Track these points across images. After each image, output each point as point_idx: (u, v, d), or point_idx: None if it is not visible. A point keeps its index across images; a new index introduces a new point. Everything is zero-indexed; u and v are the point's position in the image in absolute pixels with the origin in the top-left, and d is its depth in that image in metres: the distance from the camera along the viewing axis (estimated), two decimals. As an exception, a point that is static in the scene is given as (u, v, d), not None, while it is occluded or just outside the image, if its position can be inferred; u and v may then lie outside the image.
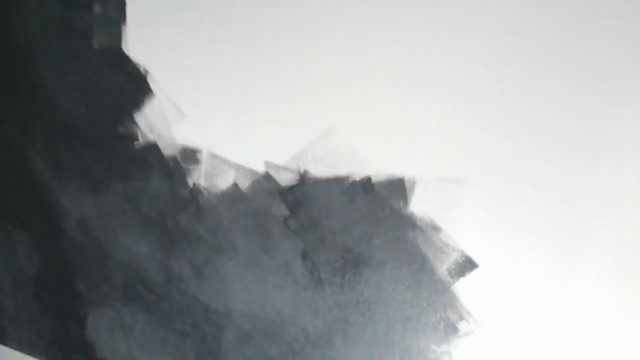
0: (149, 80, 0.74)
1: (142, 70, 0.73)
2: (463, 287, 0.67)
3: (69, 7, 0.73)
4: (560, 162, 0.59)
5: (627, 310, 0.61)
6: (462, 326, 0.68)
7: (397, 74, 0.61)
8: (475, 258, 0.65)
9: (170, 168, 0.79)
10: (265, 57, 0.66)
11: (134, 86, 0.75)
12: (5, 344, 1.20)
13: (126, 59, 0.73)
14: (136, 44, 0.72)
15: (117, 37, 0.73)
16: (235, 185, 0.76)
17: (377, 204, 0.67)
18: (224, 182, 0.76)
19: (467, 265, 0.65)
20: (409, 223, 0.66)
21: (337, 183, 0.69)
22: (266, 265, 0.79)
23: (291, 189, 0.72)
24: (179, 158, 0.78)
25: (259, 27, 0.66)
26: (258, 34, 0.67)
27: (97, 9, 0.72)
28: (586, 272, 0.59)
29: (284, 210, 0.74)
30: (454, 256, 0.65)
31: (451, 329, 0.69)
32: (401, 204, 0.66)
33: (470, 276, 0.66)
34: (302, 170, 0.70)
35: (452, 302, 0.68)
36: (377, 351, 0.77)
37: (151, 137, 0.78)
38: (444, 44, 0.58)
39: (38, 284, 1.05)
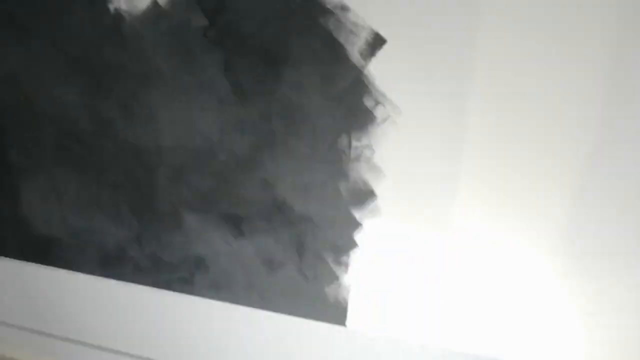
0: None
1: None
2: (376, 69, 0.76)
3: None
4: None
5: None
6: (379, 112, 0.78)
7: None
8: (383, 34, 0.74)
9: (90, -5, 0.87)
10: None
11: None
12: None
13: None
14: None
15: None
16: (154, 2, 0.84)
17: (289, -6, 0.76)
18: (143, 1, 0.84)
19: (376, 42, 0.75)
20: (320, 8, 0.76)
21: (250, -21, 0.77)
22: (191, 88, 0.88)
23: (207, -6, 0.80)
24: (97, -18, 0.86)
25: None
26: None
27: None
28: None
29: (202, 21, 0.83)
30: (363, 35, 0.75)
31: (369, 118, 0.78)
32: (310, -11, 0.75)
33: (381, 54, 0.75)
34: (215, -28, 0.79)
35: (367, 87, 0.77)
36: (303, 161, 0.86)
37: (69, -37, 0.86)
38: None
39: (-32, 161, 1.12)
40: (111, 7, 0.90)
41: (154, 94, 0.94)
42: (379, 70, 0.79)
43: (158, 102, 0.94)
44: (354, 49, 0.78)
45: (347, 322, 1.02)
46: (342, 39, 0.78)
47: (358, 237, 0.92)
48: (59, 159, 1.06)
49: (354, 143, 0.83)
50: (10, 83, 1.03)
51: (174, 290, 1.14)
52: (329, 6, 0.78)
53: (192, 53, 0.88)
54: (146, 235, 1.09)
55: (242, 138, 0.90)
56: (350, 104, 0.81)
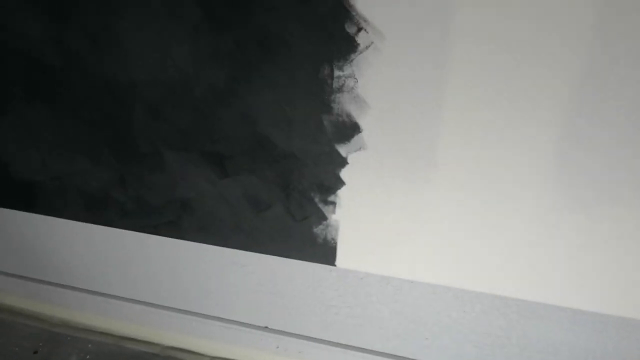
0: None
1: None
2: (357, -9, 0.70)
3: None
4: None
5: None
6: (362, 39, 0.73)
7: None
8: (365, -51, 0.67)
9: None
10: None
11: None
12: None
13: None
14: None
15: None
16: None
17: None
18: None
19: None
20: None
21: None
22: (162, 15, 0.83)
23: None
24: None
25: None
26: None
27: None
28: None
29: (168, -61, 0.76)
30: (343, -49, 0.68)
31: (351, 45, 0.73)
32: None
33: (362, -27, 0.69)
34: None
35: (348, 12, 0.71)
36: (284, 93, 0.81)
37: None
38: None
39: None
40: None
41: (123, 24, 0.88)
42: (361, -7, 0.73)
43: (128, 32, 0.89)
44: (334, -33, 0.72)
45: (337, 262, 1.01)
46: (320, -44, 0.72)
47: (344, 174, 0.89)
48: (29, 97, 1.02)
49: (337, 72, 0.79)
50: (-30, 16, 0.97)
51: (162, 235, 1.13)
52: None
53: (161, -23, 0.82)
54: (129, 177, 1.07)
55: (218, 69, 0.86)
56: (331, 30, 0.76)
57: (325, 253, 1.00)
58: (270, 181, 0.95)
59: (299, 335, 1.21)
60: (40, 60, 0.97)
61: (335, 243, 0.98)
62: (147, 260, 1.21)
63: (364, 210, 0.92)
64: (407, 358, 1.14)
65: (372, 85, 0.78)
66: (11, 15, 0.94)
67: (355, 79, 0.78)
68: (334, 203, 0.93)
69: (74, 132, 1.02)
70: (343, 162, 0.87)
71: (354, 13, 0.74)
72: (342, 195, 0.92)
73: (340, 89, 0.80)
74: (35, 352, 1.37)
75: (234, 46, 0.82)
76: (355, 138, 0.84)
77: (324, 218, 0.96)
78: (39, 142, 1.07)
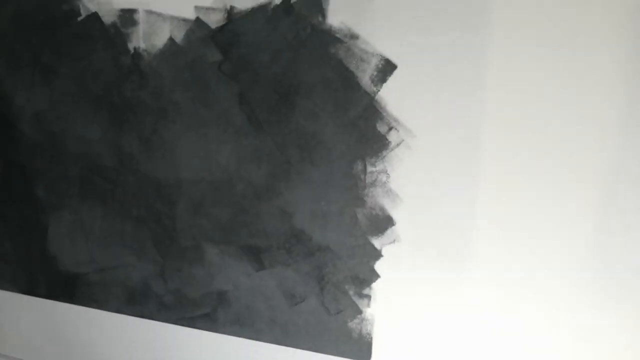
0: (85, -52, 0.90)
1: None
2: (387, 95, 0.78)
3: None
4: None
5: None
6: (393, 137, 0.80)
7: None
8: (393, 59, 0.76)
9: (111, 36, 0.94)
10: None
11: (73, -43, 0.91)
12: (-28, 281, 1.33)
13: None
14: None
15: None
16: (171, 39, 0.90)
17: (299, 25, 0.81)
18: (160, 39, 0.91)
19: (387, 68, 0.78)
20: (329, 37, 0.79)
21: (261, 12, 0.82)
22: (207, 120, 0.92)
23: (221, 29, 0.86)
24: (118, 23, 0.93)
25: None
26: None
27: None
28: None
29: (217, 55, 0.87)
30: (374, 62, 0.78)
31: (382, 143, 0.80)
32: (320, 19, 0.79)
33: (392, 80, 0.78)
34: (228, 7, 0.84)
35: (379, 113, 0.79)
36: (320, 189, 0.88)
37: (91, 7, 0.93)
38: None
39: (0, 200, 1.19)
40: (130, 46, 0.96)
41: (173, 128, 0.98)
42: (391, 96, 0.81)
43: (177, 135, 0.99)
44: (365, 75, 0.81)
45: (373, 358, 1.01)
46: (352, 67, 0.81)
47: (378, 266, 0.92)
48: (84, 194, 1.12)
49: (369, 168, 0.85)
50: (37, 122, 1.10)
51: (198, 327, 1.16)
52: (338, 35, 0.81)
53: (208, 87, 0.93)
54: (169, 270, 1.13)
55: (258, 168, 0.93)
56: (364, 129, 0.83)
57: (360, 348, 1.00)
58: (305, 274, 0.99)
59: None
60: (97, 161, 1.08)
61: (371, 338, 0.99)
62: (182, 354, 1.23)
63: (399, 304, 0.93)
64: None
65: (403, 180, 0.83)
66: (76, 120, 1.06)
67: (388, 174, 0.84)
68: (368, 296, 0.95)
69: (121, 227, 1.10)
70: (377, 254, 0.91)
71: (384, 114, 0.82)
72: (377, 288, 0.94)
73: (373, 184, 0.85)
74: None
75: (274, 146, 0.91)
76: (389, 231, 0.88)
77: (359, 312, 0.97)
78: (88, 236, 1.15)
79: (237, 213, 0.98)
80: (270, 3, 0.84)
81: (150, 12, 0.93)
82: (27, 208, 1.18)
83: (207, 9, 0.88)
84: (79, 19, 0.98)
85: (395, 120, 0.81)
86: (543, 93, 0.71)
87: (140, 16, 0.94)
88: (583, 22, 0.68)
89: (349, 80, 0.82)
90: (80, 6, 0.97)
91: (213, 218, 1.01)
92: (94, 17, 0.97)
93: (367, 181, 0.85)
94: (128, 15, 0.95)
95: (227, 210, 0.99)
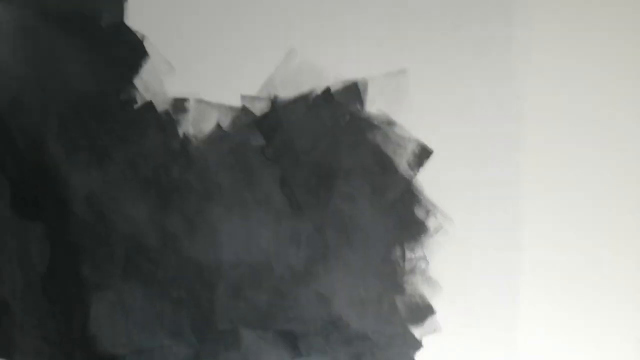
0: (145, 44, 0.99)
1: (139, 36, 0.99)
2: (424, 179, 0.80)
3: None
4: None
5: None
6: (431, 223, 0.80)
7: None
8: (430, 145, 0.79)
9: (163, 122, 1.01)
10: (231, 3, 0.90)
11: (133, 52, 1.01)
12: (12, 358, 1.36)
13: (127, 30, 1.00)
14: (134, 14, 0.99)
15: (120, 13, 1.00)
16: (218, 125, 0.96)
17: (338, 112, 0.85)
18: (208, 125, 0.97)
19: (423, 153, 0.79)
20: (367, 124, 0.83)
21: (303, 101, 0.87)
22: (249, 202, 0.95)
23: (265, 116, 0.91)
24: (170, 111, 1.00)
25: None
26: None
27: (104, -7, 1.01)
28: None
29: (260, 140, 0.92)
30: (410, 147, 0.80)
31: (421, 229, 0.81)
32: (358, 107, 0.83)
33: (428, 165, 0.79)
34: (272, 96, 0.89)
35: (417, 197, 0.80)
36: (358, 274, 0.87)
37: (147, 96, 1.01)
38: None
39: (47, 279, 1.24)
40: (180, 131, 1.02)
41: (216, 210, 1.02)
42: (428, 181, 0.81)
43: (219, 217, 1.02)
44: (402, 160, 0.83)
45: None
46: (389, 152, 0.83)
47: (419, 357, 0.88)
48: (127, 274, 1.14)
49: (408, 254, 0.84)
50: (89, 203, 1.16)
51: (231, 417, 1.13)
52: (375, 122, 0.84)
53: (251, 170, 0.96)
54: (205, 354, 1.11)
55: (297, 251, 0.94)
56: (402, 214, 0.84)
57: None
58: (343, 363, 0.96)
59: None
60: (142, 242, 1.11)
61: None
62: None
63: (442, 400, 0.88)
64: None
65: (443, 267, 0.82)
66: (125, 201, 1.11)
67: (427, 260, 0.83)
68: (410, 390, 0.91)
69: (160, 308, 1.11)
70: (417, 344, 0.87)
71: (422, 199, 0.82)
72: (419, 381, 0.90)
73: (412, 271, 0.84)
74: None
75: (313, 229, 0.92)
76: (429, 320, 0.85)
77: (400, 407, 0.93)
78: (128, 317, 1.16)
79: (275, 297, 0.98)
80: (311, 92, 0.89)
81: (200, 101, 1.00)
82: (72, 287, 1.22)
83: (253, 97, 0.94)
84: (135, 106, 1.06)
85: (433, 205, 0.81)
86: (584, 175, 0.71)
87: (190, 104, 1.01)
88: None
89: (387, 165, 0.84)
90: (137, 95, 1.06)
91: (251, 302, 1.01)
92: (149, 105, 1.05)
93: (406, 268, 0.84)
94: (179, 104, 1.02)
95: (265, 294, 0.99)
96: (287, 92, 0.91)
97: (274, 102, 0.92)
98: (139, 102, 1.05)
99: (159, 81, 1.03)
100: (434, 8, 0.77)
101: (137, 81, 1.05)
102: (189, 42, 0.99)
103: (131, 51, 1.03)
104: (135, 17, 1.02)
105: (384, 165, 0.84)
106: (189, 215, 1.05)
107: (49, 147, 1.18)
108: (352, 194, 0.87)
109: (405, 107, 0.81)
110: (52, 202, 1.23)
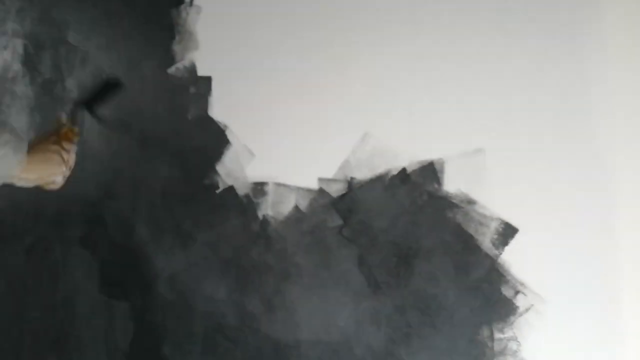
0: (227, 134, 1.05)
1: (222, 127, 1.06)
2: (510, 258, 0.78)
3: (173, 91, 1.11)
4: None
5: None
6: (520, 301, 0.77)
7: (411, 75, 0.85)
8: (514, 222, 0.78)
9: (244, 205, 1.05)
10: (307, 89, 0.95)
11: (216, 141, 1.07)
12: None
13: (211, 121, 1.07)
14: (218, 107, 1.06)
15: (205, 106, 1.08)
16: (296, 207, 0.99)
17: (415, 192, 0.86)
18: (286, 207, 1.00)
19: (508, 231, 0.78)
20: (446, 203, 0.83)
21: (379, 182, 0.89)
22: (327, 282, 0.96)
23: (342, 198, 0.93)
24: (250, 194, 1.04)
25: (304, 74, 0.96)
26: (304, 79, 0.97)
27: (192, 89, 1.09)
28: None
29: (337, 221, 0.94)
30: (493, 225, 0.79)
31: (510, 308, 0.78)
32: (436, 186, 0.84)
33: (514, 243, 0.78)
34: (348, 178, 0.92)
35: (503, 276, 0.78)
36: (443, 356, 0.84)
37: (229, 181, 1.07)
38: (445, 43, 0.83)
39: (129, 357, 1.27)
40: (260, 214, 1.06)
41: (294, 290, 1.02)
42: (515, 259, 0.79)
43: (297, 296, 1.02)
44: (485, 238, 0.81)
45: None
46: (471, 230, 0.82)
47: None
48: (206, 353, 1.15)
49: (497, 335, 0.80)
50: (172, 283, 1.20)
51: None
52: (455, 200, 0.83)
53: (329, 250, 0.97)
54: None
55: (378, 331, 0.92)
56: (488, 293, 0.81)
57: None
58: None
59: None
60: (221, 321, 1.13)
61: None
62: None
63: None
64: None
65: (537, 348, 0.77)
66: (206, 282, 1.14)
67: (518, 341, 0.79)
68: None
69: (239, 388, 1.10)
70: None
71: (509, 277, 0.79)
72: None
73: (502, 352, 0.80)
74: None
75: (393, 309, 0.90)
76: (525, 407, 0.80)
77: None
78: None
79: (356, 378, 0.95)
80: (387, 173, 0.90)
81: (278, 184, 1.03)
82: (154, 366, 1.23)
83: (329, 180, 0.96)
84: (217, 191, 1.11)
85: (522, 284, 0.78)
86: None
87: (269, 188, 1.04)
88: None
89: (469, 244, 0.82)
90: (219, 180, 1.11)
91: (331, 383, 0.98)
92: (230, 189, 1.09)
93: (495, 349, 0.80)
94: (259, 187, 1.06)
95: (346, 375, 0.96)
96: (362, 174, 0.93)
97: (350, 184, 0.94)
98: (221, 187, 1.11)
99: (239, 167, 1.08)
100: (510, 85, 0.78)
101: (220, 167, 1.10)
102: (267, 130, 1.04)
103: (214, 140, 1.10)
104: (219, 109, 1.10)
105: (466, 244, 0.82)
106: (268, 295, 1.06)
107: (137, 231, 1.25)
108: (434, 273, 0.85)
109: (486, 185, 0.81)
110: (137, 282, 1.28)
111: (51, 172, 0.87)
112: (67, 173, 0.92)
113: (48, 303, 1.45)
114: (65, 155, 0.89)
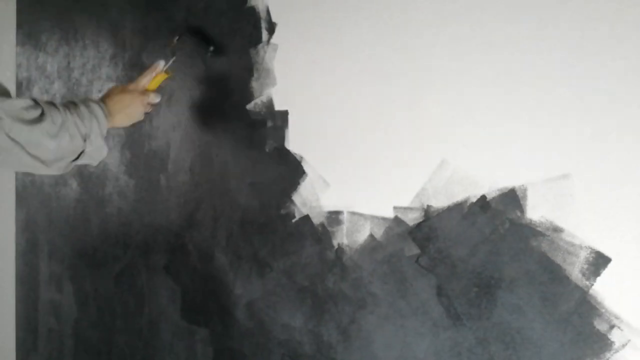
0: (303, 164, 1.06)
1: (298, 158, 1.06)
2: (603, 289, 0.72)
3: (252, 126, 1.14)
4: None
5: None
6: (616, 336, 0.71)
7: (490, 99, 0.82)
8: (606, 251, 0.72)
9: (319, 234, 1.04)
10: (381, 117, 0.94)
11: (293, 172, 1.08)
12: None
13: (287, 153, 1.08)
14: (294, 140, 1.07)
15: (282, 139, 1.09)
16: (371, 236, 0.97)
17: (496, 220, 0.82)
18: (361, 235, 0.98)
19: (599, 261, 0.72)
20: (530, 231, 0.78)
21: (457, 209, 0.86)
22: (405, 312, 0.92)
23: (418, 226, 0.90)
24: (325, 223, 1.03)
25: (377, 102, 0.95)
26: (378, 109, 0.96)
27: (269, 123, 1.11)
28: None
29: (414, 249, 0.91)
30: (583, 255, 0.74)
31: (604, 344, 0.71)
32: (518, 214, 0.79)
33: (607, 273, 0.72)
34: (425, 206, 0.89)
35: (596, 309, 0.72)
36: (531, 393, 0.78)
37: (304, 210, 1.06)
38: (526, 65, 0.79)
39: (209, 383, 1.27)
40: (335, 242, 1.04)
41: (371, 319, 0.99)
42: (608, 290, 0.72)
43: (374, 325, 0.99)
44: (574, 268, 0.75)
45: None
46: (558, 260, 0.76)
47: None
48: (282, 382, 1.13)
49: (591, 374, 0.73)
50: (250, 310, 1.20)
51: None
52: (539, 228, 0.78)
53: (406, 279, 0.94)
54: None
55: (458, 364, 0.87)
56: (579, 327, 0.74)
57: None
58: None
59: None
60: (297, 349, 1.11)
61: None
62: None
63: None
64: None
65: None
66: (282, 310, 1.13)
67: (615, 382, 0.71)
68: None
69: (316, 418, 1.07)
70: None
71: (603, 310, 0.72)
72: None
73: (597, 392, 0.73)
74: None
75: (475, 342, 0.85)
76: None
77: None
78: None
79: (436, 413, 0.90)
80: (466, 201, 0.86)
81: (353, 213, 1.02)
82: (231, 392, 1.23)
83: (405, 208, 0.94)
84: (293, 220, 1.11)
85: (617, 317, 0.71)
86: None
87: (344, 217, 1.03)
88: None
89: (556, 274, 0.77)
90: (295, 210, 1.11)
91: (410, 417, 0.93)
92: (306, 218, 1.09)
93: (589, 389, 0.73)
94: (334, 216, 1.05)
95: (425, 409, 0.91)
96: (440, 202, 0.89)
97: (427, 212, 0.91)
98: (297, 216, 1.11)
99: (315, 196, 1.08)
100: (590, 107, 0.73)
101: (296, 197, 1.11)
102: (341, 160, 1.03)
103: (291, 171, 1.11)
104: (295, 141, 1.11)
105: (553, 274, 0.77)
106: (344, 324, 1.03)
107: (216, 259, 1.27)
108: (519, 305, 0.80)
109: (573, 212, 0.75)
110: (216, 309, 1.29)
111: (135, 118, 1.15)
112: (149, 109, 1.18)
113: (134, 327, 1.50)
114: (146, 99, 1.14)
